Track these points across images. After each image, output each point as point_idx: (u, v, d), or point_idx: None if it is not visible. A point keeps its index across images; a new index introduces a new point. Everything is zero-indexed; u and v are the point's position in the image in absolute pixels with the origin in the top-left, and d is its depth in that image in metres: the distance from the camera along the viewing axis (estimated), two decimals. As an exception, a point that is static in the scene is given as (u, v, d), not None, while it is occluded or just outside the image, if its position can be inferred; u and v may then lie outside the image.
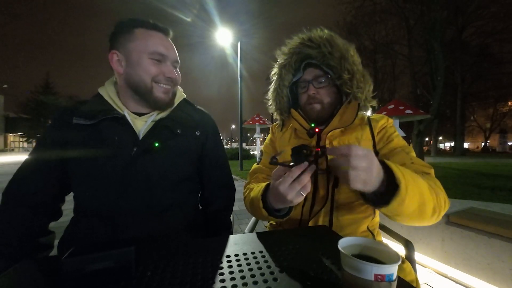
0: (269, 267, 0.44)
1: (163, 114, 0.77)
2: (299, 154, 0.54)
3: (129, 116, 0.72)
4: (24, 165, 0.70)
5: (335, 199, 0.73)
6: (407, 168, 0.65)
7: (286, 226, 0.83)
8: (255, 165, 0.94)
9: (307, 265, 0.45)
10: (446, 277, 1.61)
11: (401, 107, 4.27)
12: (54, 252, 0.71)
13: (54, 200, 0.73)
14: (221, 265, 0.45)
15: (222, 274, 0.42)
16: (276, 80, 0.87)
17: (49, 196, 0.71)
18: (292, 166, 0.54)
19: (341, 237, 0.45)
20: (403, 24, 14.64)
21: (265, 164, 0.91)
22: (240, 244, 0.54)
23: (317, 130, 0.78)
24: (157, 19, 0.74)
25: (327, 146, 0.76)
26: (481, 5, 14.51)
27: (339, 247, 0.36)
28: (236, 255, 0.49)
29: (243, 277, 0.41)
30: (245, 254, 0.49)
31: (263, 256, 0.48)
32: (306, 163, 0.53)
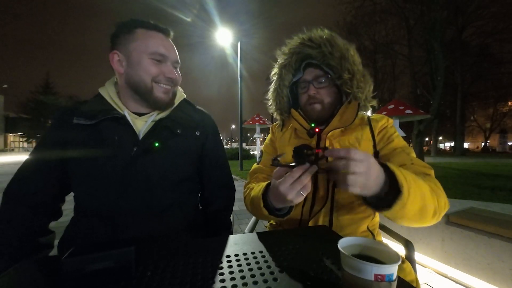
0: (269, 267, 0.44)
1: (163, 114, 0.78)
2: (300, 154, 0.54)
3: (129, 116, 0.72)
4: (25, 165, 0.70)
5: (335, 199, 0.73)
6: (408, 169, 0.65)
7: (286, 226, 0.83)
8: (255, 165, 0.94)
9: (307, 265, 0.45)
10: (446, 277, 1.61)
11: (401, 107, 4.28)
12: (54, 251, 0.71)
13: (54, 200, 0.73)
14: (221, 265, 0.45)
15: (222, 274, 0.42)
16: (276, 80, 0.87)
17: (49, 196, 0.71)
18: (293, 166, 0.54)
19: (341, 237, 0.45)
20: (403, 24, 14.64)
21: (265, 164, 0.91)
22: (240, 244, 0.54)
23: (317, 130, 0.78)
24: (157, 19, 0.74)
25: (327, 145, 0.76)
26: (481, 5, 14.52)
27: (339, 247, 0.36)
28: (236, 255, 0.49)
29: (243, 277, 0.41)
30: (245, 254, 0.49)
31: (263, 256, 0.48)
32: (307, 164, 0.53)
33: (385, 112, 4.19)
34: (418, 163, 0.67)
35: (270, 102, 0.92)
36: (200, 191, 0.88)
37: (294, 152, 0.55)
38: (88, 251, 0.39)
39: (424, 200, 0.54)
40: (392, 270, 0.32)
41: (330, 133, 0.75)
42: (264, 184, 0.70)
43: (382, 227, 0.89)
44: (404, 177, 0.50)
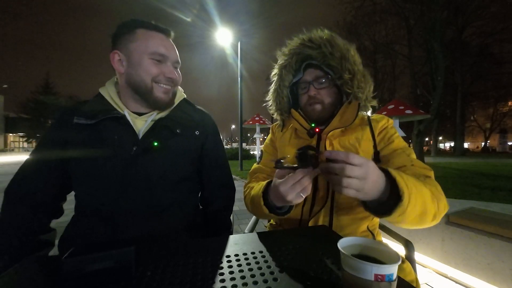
0: (269, 267, 0.44)
1: (163, 114, 0.78)
2: (304, 155, 0.54)
3: (129, 116, 0.72)
4: (25, 165, 0.70)
5: (335, 199, 0.73)
6: (408, 170, 0.65)
7: (286, 226, 0.83)
8: (255, 165, 0.94)
9: (307, 265, 0.45)
10: (446, 277, 1.61)
11: (401, 107, 4.28)
12: (54, 251, 0.71)
13: (55, 199, 0.73)
14: (221, 265, 0.45)
15: (222, 274, 0.42)
16: (277, 80, 0.87)
17: (49, 196, 0.71)
18: (296, 167, 0.54)
19: (341, 237, 0.45)
20: (403, 24, 14.65)
21: (265, 164, 0.91)
22: (240, 244, 0.54)
23: (317, 130, 0.78)
24: (157, 19, 0.74)
25: (327, 145, 0.76)
26: (481, 5, 14.51)
27: (339, 247, 0.36)
28: (236, 255, 0.49)
29: (243, 277, 0.41)
30: (245, 254, 0.49)
31: (263, 256, 0.48)
32: (310, 168, 0.53)
33: (385, 112, 4.19)
34: (418, 165, 0.67)
35: (270, 103, 0.92)
36: (200, 191, 0.88)
37: (298, 153, 0.55)
38: (88, 251, 0.39)
39: (424, 205, 0.54)
40: (392, 270, 0.32)
41: (330, 133, 0.75)
42: (264, 182, 0.70)
43: (382, 227, 0.89)
44: (405, 183, 0.50)
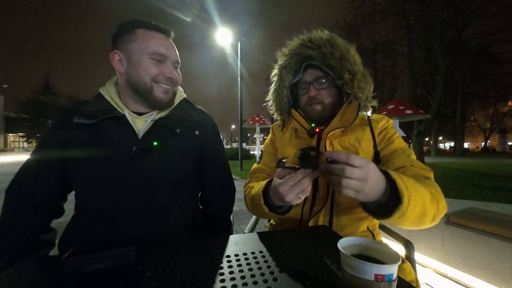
0: (269, 267, 0.44)
1: (163, 114, 0.78)
2: (306, 155, 0.54)
3: (129, 116, 0.72)
4: (26, 165, 0.70)
5: (335, 199, 0.73)
6: (407, 171, 0.65)
7: (286, 226, 0.83)
8: (255, 165, 0.94)
9: (307, 265, 0.45)
10: (446, 277, 1.61)
11: (401, 107, 4.28)
12: (55, 251, 0.71)
13: (55, 199, 0.73)
14: (221, 265, 0.45)
15: (222, 274, 0.42)
16: (277, 81, 0.88)
17: (49, 196, 0.71)
18: (297, 169, 0.54)
19: (341, 237, 0.45)
20: (403, 24, 14.65)
21: (265, 163, 0.91)
22: (240, 244, 0.54)
23: (317, 130, 0.78)
24: (157, 19, 0.74)
25: (327, 145, 0.76)
26: (481, 5, 14.50)
27: (339, 247, 0.36)
28: (236, 255, 0.49)
29: (243, 277, 0.41)
30: (245, 254, 0.49)
31: (263, 256, 0.48)
32: (310, 170, 0.53)
33: (385, 112, 4.19)
34: (418, 165, 0.67)
35: (270, 103, 0.92)
36: (200, 191, 0.88)
37: (300, 154, 0.55)
38: (88, 251, 0.39)
39: (424, 207, 0.54)
40: (392, 270, 0.32)
41: (330, 133, 0.75)
42: (265, 182, 0.70)
43: (382, 227, 0.89)
44: (405, 185, 0.50)
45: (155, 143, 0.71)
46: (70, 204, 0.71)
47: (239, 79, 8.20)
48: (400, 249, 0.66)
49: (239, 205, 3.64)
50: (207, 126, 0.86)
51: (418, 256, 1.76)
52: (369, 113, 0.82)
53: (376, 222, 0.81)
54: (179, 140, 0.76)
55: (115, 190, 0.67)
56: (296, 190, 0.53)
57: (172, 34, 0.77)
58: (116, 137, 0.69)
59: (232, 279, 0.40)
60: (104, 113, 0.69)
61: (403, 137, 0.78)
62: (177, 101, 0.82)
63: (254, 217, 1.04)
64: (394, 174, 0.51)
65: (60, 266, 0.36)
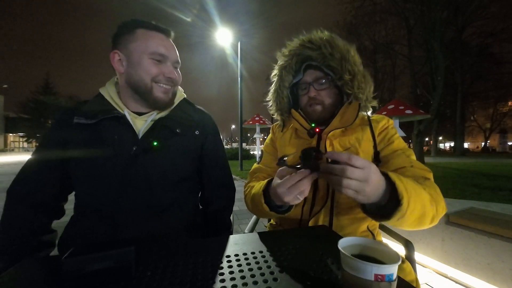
0: (269, 267, 0.44)
1: (163, 114, 0.78)
2: (308, 156, 0.54)
3: (129, 116, 0.72)
4: (26, 166, 0.71)
5: (335, 199, 0.73)
6: (407, 171, 0.65)
7: (286, 226, 0.83)
8: (255, 165, 0.94)
9: (307, 265, 0.45)
10: (446, 277, 1.61)
11: (401, 107, 4.28)
12: (54, 250, 0.71)
13: (55, 199, 0.73)
14: (221, 265, 0.45)
15: (222, 274, 0.42)
16: (277, 81, 0.88)
17: (50, 196, 0.71)
18: (299, 168, 0.54)
19: (341, 237, 0.45)
20: (403, 24, 14.65)
21: (266, 163, 0.91)
22: (240, 244, 0.54)
23: (317, 130, 0.79)
24: (157, 19, 0.74)
25: (327, 145, 0.76)
26: (481, 5, 14.51)
27: (339, 247, 0.36)
28: (236, 255, 0.49)
29: (243, 277, 0.41)
30: (245, 254, 0.49)
31: (263, 256, 0.48)
32: (309, 171, 0.53)
33: (385, 112, 4.19)
34: (417, 166, 0.67)
35: (270, 103, 0.92)
36: (200, 191, 0.88)
37: (302, 154, 0.55)
38: (88, 251, 0.39)
39: (423, 209, 0.54)
40: (392, 270, 0.32)
41: (330, 133, 0.75)
42: (265, 181, 0.70)
43: (382, 227, 0.89)
44: (405, 187, 0.50)
45: (155, 143, 0.71)
46: (70, 204, 0.71)
47: (239, 79, 8.20)
48: (400, 249, 0.66)
49: (239, 205, 3.64)
50: (207, 126, 0.86)
51: (418, 256, 1.76)
52: (369, 113, 0.82)
53: (376, 222, 0.81)
54: (179, 140, 0.76)
55: (115, 190, 0.67)
56: (294, 192, 0.53)
57: (172, 34, 0.77)
58: (116, 137, 0.69)
59: (232, 279, 0.40)
60: (104, 113, 0.69)
61: (403, 137, 0.78)
62: (177, 101, 0.82)
63: (254, 217, 1.04)
64: (394, 176, 0.51)
65: (60, 266, 0.36)
